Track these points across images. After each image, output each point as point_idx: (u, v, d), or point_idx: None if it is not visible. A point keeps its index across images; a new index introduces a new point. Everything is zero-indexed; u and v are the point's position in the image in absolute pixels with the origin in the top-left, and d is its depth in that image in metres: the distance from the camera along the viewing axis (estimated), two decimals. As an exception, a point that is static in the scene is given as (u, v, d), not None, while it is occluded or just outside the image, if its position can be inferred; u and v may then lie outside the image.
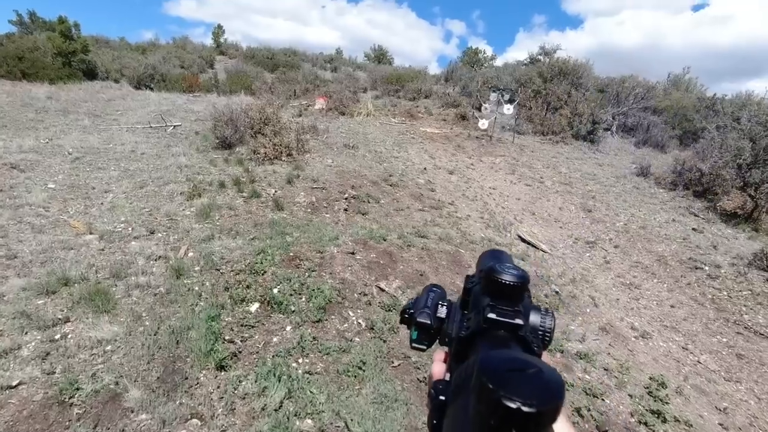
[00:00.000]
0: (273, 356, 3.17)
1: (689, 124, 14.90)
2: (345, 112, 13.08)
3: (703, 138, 11.31)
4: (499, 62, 26.85)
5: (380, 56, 30.07)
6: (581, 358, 3.90)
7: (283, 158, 7.93)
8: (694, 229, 7.82)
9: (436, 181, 8.36)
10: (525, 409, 0.26)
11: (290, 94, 15.15)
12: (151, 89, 15.26)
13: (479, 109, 13.37)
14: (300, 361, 3.19)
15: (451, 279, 4.74)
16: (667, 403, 3.45)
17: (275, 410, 2.70)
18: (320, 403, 2.80)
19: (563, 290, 5.25)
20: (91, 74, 15.22)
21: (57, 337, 3.11)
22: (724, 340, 4.90)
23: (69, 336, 3.13)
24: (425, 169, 8.95)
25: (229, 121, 8.59)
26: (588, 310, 4.96)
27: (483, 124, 12.01)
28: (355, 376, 3.10)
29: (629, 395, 3.54)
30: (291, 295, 3.84)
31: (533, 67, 17.54)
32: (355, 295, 4.07)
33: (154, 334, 3.24)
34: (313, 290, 3.92)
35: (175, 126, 9.92)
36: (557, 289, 5.22)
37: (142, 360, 2.98)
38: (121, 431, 2.45)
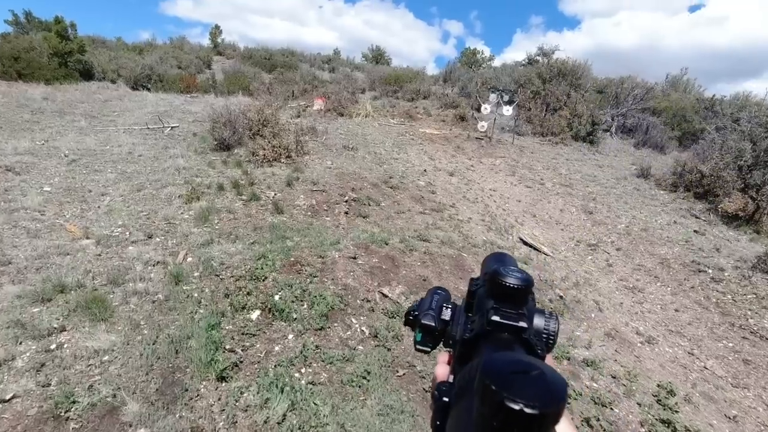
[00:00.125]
0: (275, 366, 3.09)
1: (688, 125, 14.91)
2: (344, 113, 13.00)
3: (703, 139, 11.31)
4: (497, 63, 26.90)
5: (378, 57, 30.03)
6: (588, 366, 3.83)
7: (283, 160, 7.84)
8: (695, 231, 7.79)
9: (436, 183, 8.30)
10: (528, 410, 0.27)
11: (288, 94, 15.06)
12: (149, 90, 15.14)
13: (478, 110, 13.30)
14: (303, 371, 3.11)
15: (454, 284, 4.67)
16: (676, 411, 3.39)
17: (278, 423, 2.62)
18: (324, 415, 2.72)
19: (567, 294, 5.19)
20: (87, 75, 15.08)
21: (52, 347, 3.01)
22: (730, 344, 4.85)
23: (65, 346, 3.04)
24: (425, 170, 8.89)
25: (228, 122, 8.48)
26: (593, 315, 4.91)
27: (482, 126, 11.97)
28: (360, 387, 3.02)
29: (638, 404, 3.47)
30: (293, 301, 3.76)
31: (532, 67, 17.52)
32: (358, 301, 3.99)
33: (153, 344, 3.16)
34: (315, 297, 3.84)
35: (172, 127, 9.80)
36: (561, 294, 5.16)
37: (141, 371, 2.90)
38: (119, 447, 2.37)
